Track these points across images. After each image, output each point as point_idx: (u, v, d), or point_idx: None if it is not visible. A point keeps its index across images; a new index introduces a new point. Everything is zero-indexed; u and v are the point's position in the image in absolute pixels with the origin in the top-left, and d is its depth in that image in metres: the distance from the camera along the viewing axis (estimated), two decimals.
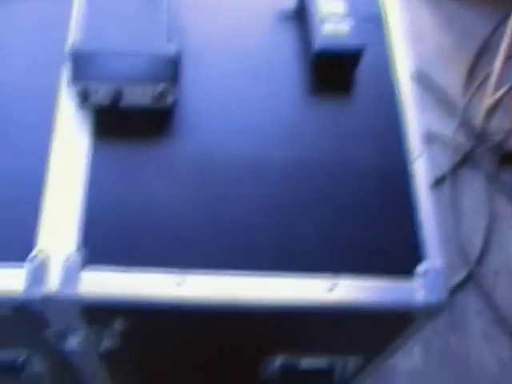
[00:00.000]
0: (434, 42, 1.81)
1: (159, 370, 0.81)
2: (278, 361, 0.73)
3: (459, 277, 1.41)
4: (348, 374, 0.77)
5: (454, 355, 1.33)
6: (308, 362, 0.74)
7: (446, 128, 1.64)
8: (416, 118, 0.70)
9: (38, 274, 0.56)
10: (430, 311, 0.60)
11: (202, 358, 0.77)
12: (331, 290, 0.58)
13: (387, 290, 0.59)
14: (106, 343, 0.67)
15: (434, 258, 0.61)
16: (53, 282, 0.56)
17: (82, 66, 0.63)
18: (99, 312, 0.60)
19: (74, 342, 0.66)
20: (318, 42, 0.69)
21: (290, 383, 0.80)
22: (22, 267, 0.56)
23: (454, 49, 1.81)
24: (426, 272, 0.60)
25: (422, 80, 1.70)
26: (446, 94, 1.71)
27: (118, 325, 0.63)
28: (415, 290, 0.59)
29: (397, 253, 0.62)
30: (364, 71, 0.71)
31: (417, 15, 1.84)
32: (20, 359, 0.74)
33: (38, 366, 0.76)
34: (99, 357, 0.72)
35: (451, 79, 1.73)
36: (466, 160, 1.57)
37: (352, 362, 0.74)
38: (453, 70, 1.76)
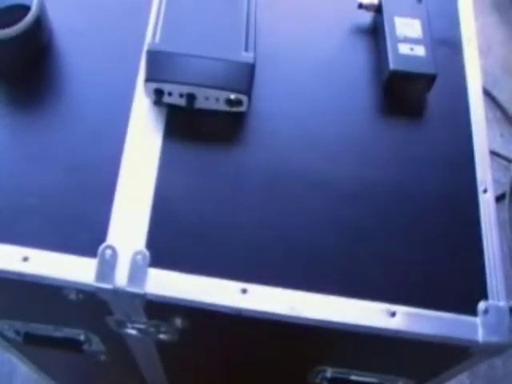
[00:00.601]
0: (498, 55, 1.76)
1: (211, 365, 0.84)
2: (329, 372, 0.74)
3: None
4: None
5: (500, 380, 1.31)
6: (358, 376, 0.74)
7: (507, 145, 1.62)
8: (487, 148, 0.68)
9: (107, 268, 0.58)
10: (489, 350, 0.59)
11: (254, 361, 0.79)
12: (390, 316, 0.58)
13: (446, 324, 0.59)
14: (164, 336, 0.69)
15: (497, 296, 0.60)
16: (120, 277, 0.58)
17: (158, 66, 0.64)
18: (161, 309, 0.61)
19: (132, 331, 0.69)
20: (393, 63, 0.68)
21: None
22: (92, 260, 0.58)
23: None
24: (487, 310, 0.59)
25: (484, 95, 1.67)
26: (508, 110, 1.68)
27: (178, 322, 0.65)
28: (475, 327, 0.59)
29: (459, 287, 0.61)
30: (437, 94, 0.70)
31: (482, 26, 1.80)
32: (81, 337, 0.78)
33: (96, 344, 0.80)
34: (155, 345, 0.74)
35: None
36: None
37: (402, 383, 0.75)
38: None
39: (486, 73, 1.69)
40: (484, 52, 1.74)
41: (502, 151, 1.59)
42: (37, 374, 1.10)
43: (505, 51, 1.78)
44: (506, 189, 1.53)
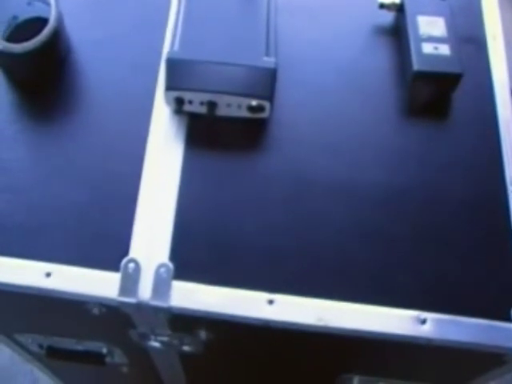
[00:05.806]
0: None
1: (236, 374, 0.83)
2: (356, 379, 0.73)
3: None
4: None
5: None
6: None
7: None
8: None
9: (130, 282, 0.57)
10: None
11: (279, 370, 0.77)
12: (421, 323, 0.57)
13: (479, 330, 0.57)
14: (188, 347, 0.68)
15: None
16: (143, 290, 0.57)
17: (177, 74, 0.63)
18: (185, 322, 0.61)
19: (155, 343, 0.68)
20: (417, 64, 0.66)
21: None
22: (115, 274, 0.58)
23: None
24: None
25: None
26: None
27: (203, 334, 0.64)
28: (510, 333, 0.57)
29: (491, 292, 0.59)
30: (463, 93, 0.68)
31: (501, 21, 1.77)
32: (104, 350, 0.77)
33: (119, 357, 0.79)
34: (178, 356, 0.73)
35: None
36: None
37: None
38: None
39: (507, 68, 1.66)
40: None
41: None
42: None
43: None
44: None
